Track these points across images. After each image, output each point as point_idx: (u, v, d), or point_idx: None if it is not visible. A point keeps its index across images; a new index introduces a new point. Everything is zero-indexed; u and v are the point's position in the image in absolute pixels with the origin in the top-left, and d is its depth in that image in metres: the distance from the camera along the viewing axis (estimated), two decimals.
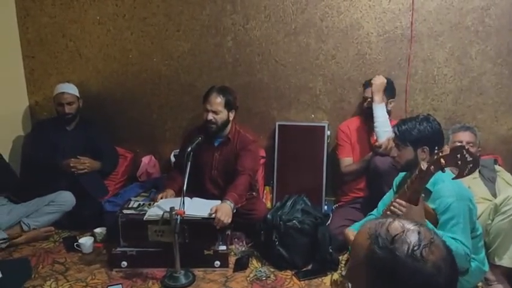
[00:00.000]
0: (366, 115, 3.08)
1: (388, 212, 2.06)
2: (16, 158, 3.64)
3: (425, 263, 0.92)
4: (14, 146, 3.65)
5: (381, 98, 2.98)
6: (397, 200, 2.04)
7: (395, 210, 2.02)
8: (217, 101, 2.96)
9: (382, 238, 0.96)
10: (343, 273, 2.00)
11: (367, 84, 3.10)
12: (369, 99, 3.03)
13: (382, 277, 0.95)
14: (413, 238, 0.95)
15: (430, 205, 2.07)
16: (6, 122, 3.53)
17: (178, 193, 2.78)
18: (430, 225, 1.94)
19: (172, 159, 3.58)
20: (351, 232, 2.27)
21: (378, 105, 2.96)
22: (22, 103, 3.76)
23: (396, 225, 0.99)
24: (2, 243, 2.85)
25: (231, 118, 3.05)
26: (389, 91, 3.07)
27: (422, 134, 2.16)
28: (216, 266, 2.66)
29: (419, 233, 0.96)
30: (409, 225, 0.98)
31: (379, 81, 2.99)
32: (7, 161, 3.37)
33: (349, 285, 2.20)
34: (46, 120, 3.59)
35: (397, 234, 0.96)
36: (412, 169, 2.10)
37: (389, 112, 3.02)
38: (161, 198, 2.86)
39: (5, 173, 3.18)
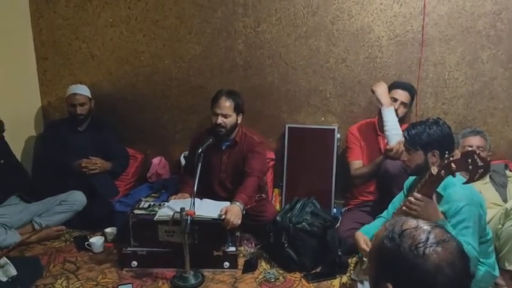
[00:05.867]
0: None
1: (404, 208, 2.01)
2: (28, 158, 3.69)
3: (425, 261, 0.94)
4: (27, 146, 3.70)
5: (388, 101, 2.98)
6: (415, 193, 2.00)
7: (412, 204, 1.99)
8: (227, 104, 2.97)
9: (393, 231, 1.00)
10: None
11: (391, 86, 3.11)
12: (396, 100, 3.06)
13: (386, 267, 1.00)
14: (421, 235, 0.98)
15: (440, 208, 2.06)
16: (19, 122, 3.57)
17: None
18: (450, 228, 1.93)
19: (182, 160, 3.60)
20: (361, 235, 2.26)
21: (387, 109, 2.96)
22: (35, 104, 3.81)
23: (412, 222, 1.02)
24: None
25: (239, 121, 3.06)
26: (413, 97, 3.13)
27: (432, 138, 2.15)
28: (225, 267, 2.67)
29: (429, 232, 0.98)
30: (424, 224, 1.01)
31: (381, 87, 3.01)
32: (19, 160, 3.42)
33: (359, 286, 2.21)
34: (58, 121, 3.63)
35: (407, 229, 1.00)
36: (423, 173, 2.09)
37: (402, 118, 3.03)
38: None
39: (18, 172, 3.22)
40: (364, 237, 2.26)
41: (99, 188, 3.31)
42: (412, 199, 2.00)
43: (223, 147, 3.10)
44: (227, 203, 2.77)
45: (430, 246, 0.95)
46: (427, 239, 0.97)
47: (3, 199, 3.06)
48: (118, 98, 3.74)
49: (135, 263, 2.68)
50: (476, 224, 2.02)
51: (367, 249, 2.17)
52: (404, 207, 2.02)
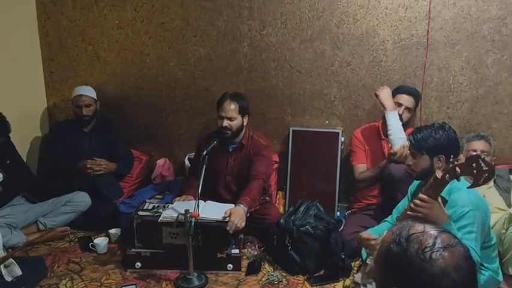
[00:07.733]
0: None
1: (412, 205, 2.01)
2: (34, 159, 3.71)
3: (432, 265, 0.95)
4: (32, 147, 3.72)
5: (392, 105, 2.99)
6: (420, 195, 2.00)
7: (418, 206, 1.98)
8: (232, 107, 2.98)
9: (400, 236, 1.01)
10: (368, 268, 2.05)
11: (396, 91, 3.12)
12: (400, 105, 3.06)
13: (392, 271, 1.00)
14: (428, 240, 0.98)
15: None
16: (24, 123, 3.60)
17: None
18: (455, 229, 1.93)
19: (187, 162, 3.61)
20: (365, 234, 2.26)
21: (390, 113, 2.96)
22: (41, 105, 3.83)
23: (419, 227, 1.02)
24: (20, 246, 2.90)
25: (245, 123, 3.07)
26: (417, 102, 3.15)
27: (438, 142, 2.15)
28: (229, 269, 2.68)
29: (436, 237, 0.99)
30: (431, 229, 1.01)
31: (384, 91, 3.02)
32: (25, 161, 3.43)
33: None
34: (64, 122, 3.65)
35: (414, 234, 1.00)
36: (428, 177, 2.09)
37: (406, 123, 3.03)
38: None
39: (23, 173, 3.23)
40: (368, 233, 2.26)
41: (104, 189, 3.32)
42: (417, 201, 2.00)
43: (230, 150, 3.10)
44: (231, 205, 2.78)
45: (437, 251, 0.96)
46: (434, 243, 0.97)
47: (8, 199, 3.07)
48: (123, 100, 3.75)
49: (139, 264, 2.69)
50: (480, 230, 2.02)
51: (369, 237, 2.17)
52: (409, 210, 2.02)
